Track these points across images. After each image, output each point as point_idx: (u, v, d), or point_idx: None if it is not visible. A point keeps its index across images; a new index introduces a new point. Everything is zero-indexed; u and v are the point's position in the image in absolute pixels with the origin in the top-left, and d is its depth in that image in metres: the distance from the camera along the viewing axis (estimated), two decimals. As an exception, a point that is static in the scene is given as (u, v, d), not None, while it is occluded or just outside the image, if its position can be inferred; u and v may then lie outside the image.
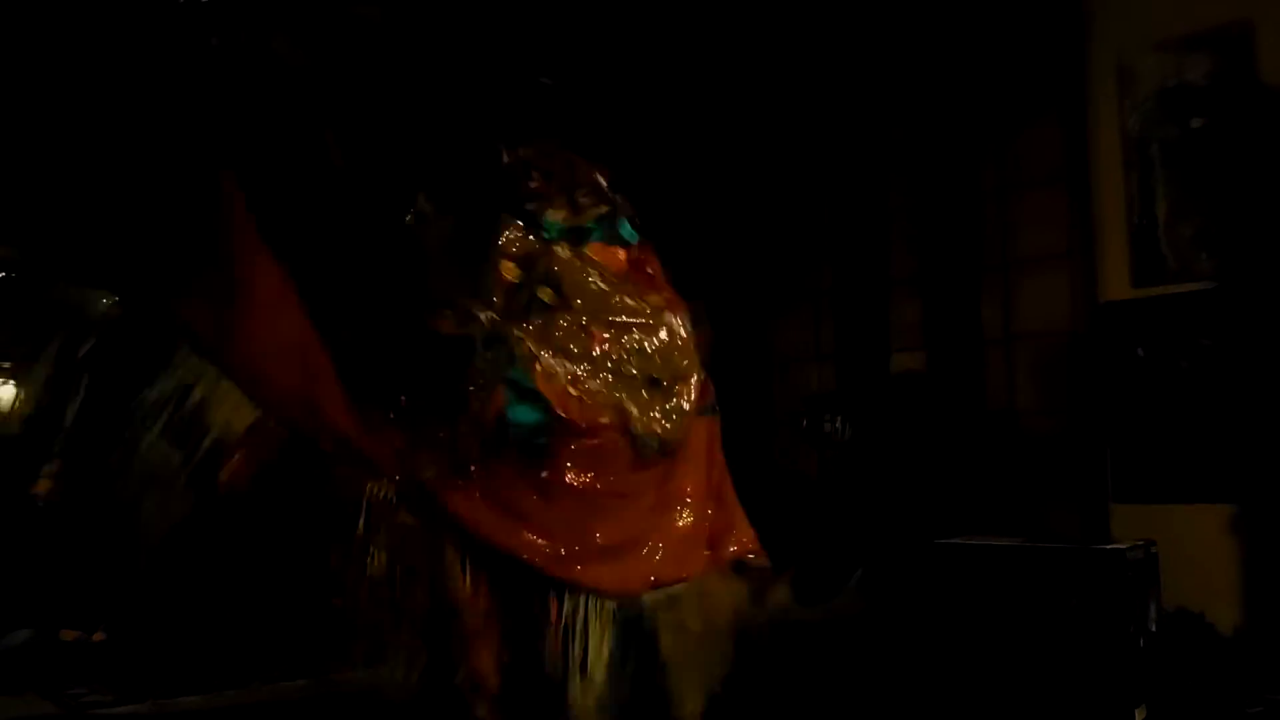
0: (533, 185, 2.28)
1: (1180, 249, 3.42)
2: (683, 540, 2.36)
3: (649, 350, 2.27)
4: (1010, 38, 3.86)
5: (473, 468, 2.06)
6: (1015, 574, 2.90)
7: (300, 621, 3.70)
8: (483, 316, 2.07)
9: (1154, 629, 2.85)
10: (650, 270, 2.50)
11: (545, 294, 2.18)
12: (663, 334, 2.32)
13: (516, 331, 2.10)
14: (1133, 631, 2.75)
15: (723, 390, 3.30)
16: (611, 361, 2.18)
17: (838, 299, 4.43)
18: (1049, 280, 3.77)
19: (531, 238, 2.23)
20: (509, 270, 2.19)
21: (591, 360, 2.15)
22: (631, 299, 2.29)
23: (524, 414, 2.08)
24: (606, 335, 2.21)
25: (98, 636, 3.55)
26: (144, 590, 3.87)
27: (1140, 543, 2.89)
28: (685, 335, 2.37)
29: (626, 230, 2.48)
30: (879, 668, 3.08)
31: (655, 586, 2.27)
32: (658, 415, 2.23)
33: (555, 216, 2.30)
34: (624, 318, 2.25)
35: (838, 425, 3.99)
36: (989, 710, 2.86)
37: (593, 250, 2.35)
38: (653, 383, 2.26)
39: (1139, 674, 2.75)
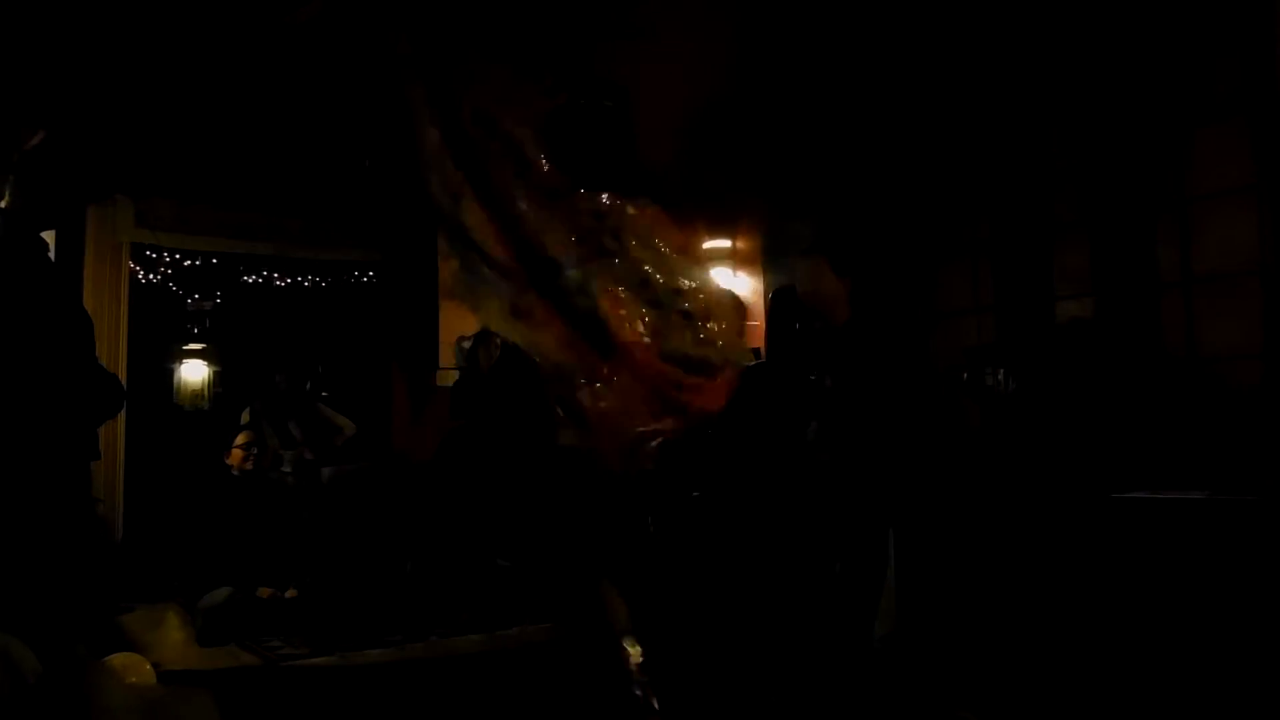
0: None
1: (1389, 172, 3.10)
2: None
3: None
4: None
5: None
6: (1202, 529, 2.72)
7: (473, 582, 3.88)
8: None
9: (1365, 587, 2.62)
10: None
11: None
12: None
13: None
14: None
15: (879, 346, 3.23)
16: None
17: (997, 247, 4.23)
18: (1233, 215, 3.48)
19: None
20: None
21: None
22: None
23: None
24: None
25: (290, 593, 3.82)
26: (329, 551, 4.13)
27: (1348, 494, 2.66)
28: None
29: None
30: (1053, 628, 2.96)
31: None
32: None
33: None
34: None
35: (1000, 377, 3.83)
36: (1175, 674, 2.71)
37: None
38: None
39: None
